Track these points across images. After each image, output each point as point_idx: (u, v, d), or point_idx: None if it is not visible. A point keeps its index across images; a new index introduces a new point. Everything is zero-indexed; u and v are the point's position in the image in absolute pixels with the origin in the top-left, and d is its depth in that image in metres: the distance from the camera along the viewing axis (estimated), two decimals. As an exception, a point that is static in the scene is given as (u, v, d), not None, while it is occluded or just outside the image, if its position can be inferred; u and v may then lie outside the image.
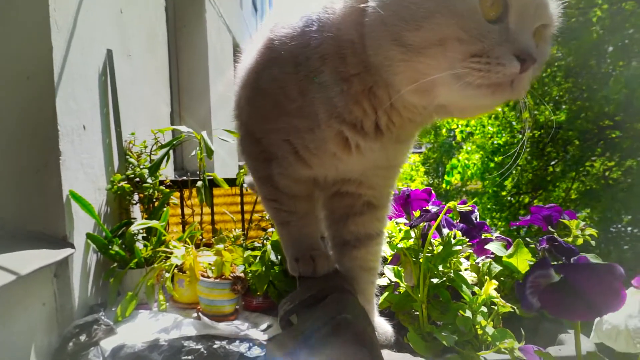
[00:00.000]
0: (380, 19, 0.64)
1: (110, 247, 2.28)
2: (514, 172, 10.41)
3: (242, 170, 2.72)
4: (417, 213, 0.89)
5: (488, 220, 10.62)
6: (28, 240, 1.96)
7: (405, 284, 0.82)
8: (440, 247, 0.81)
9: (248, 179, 1.58)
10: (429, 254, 0.80)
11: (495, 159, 10.91)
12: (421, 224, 0.86)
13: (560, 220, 0.92)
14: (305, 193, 0.89)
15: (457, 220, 0.90)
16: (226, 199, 2.96)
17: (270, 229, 2.53)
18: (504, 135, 10.90)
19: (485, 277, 0.82)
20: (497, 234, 0.96)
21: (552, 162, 10.43)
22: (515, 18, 0.64)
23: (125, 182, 2.53)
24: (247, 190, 2.75)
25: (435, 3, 0.62)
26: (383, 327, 0.85)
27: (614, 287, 0.60)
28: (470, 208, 0.86)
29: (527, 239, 0.87)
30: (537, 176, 10.37)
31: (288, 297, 0.68)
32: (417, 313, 0.77)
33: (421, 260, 0.78)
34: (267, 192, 0.88)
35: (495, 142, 10.92)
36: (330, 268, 0.85)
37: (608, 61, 9.41)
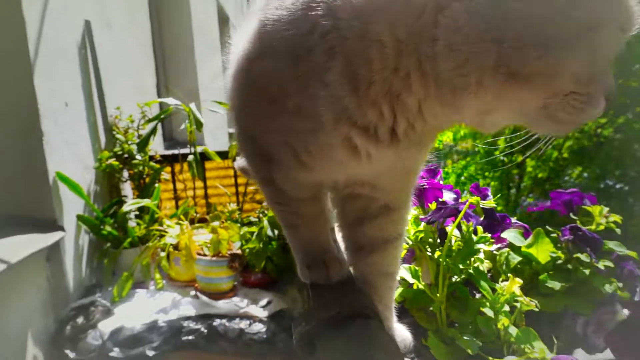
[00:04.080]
0: (493, 34, 0.52)
1: (102, 227, 2.23)
2: (506, 130, 10.36)
3: (234, 143, 2.65)
4: (432, 205, 0.84)
5: (481, 180, 10.67)
6: (17, 226, 1.90)
7: (424, 283, 0.78)
8: (459, 244, 0.76)
9: (240, 162, 1.49)
10: (448, 252, 0.75)
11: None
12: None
13: (582, 206, 0.87)
14: (312, 195, 0.81)
15: (481, 217, 0.84)
16: (219, 172, 2.90)
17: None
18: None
19: (503, 267, 0.78)
20: (514, 220, 0.89)
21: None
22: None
23: (114, 159, 2.46)
24: (239, 164, 2.68)
25: (583, 31, 0.52)
26: (402, 334, 0.79)
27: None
28: (494, 203, 0.80)
29: (547, 226, 0.82)
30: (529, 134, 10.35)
31: (302, 315, 0.62)
32: (433, 310, 0.74)
33: (440, 259, 0.74)
34: (270, 194, 0.78)
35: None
36: (344, 274, 0.79)
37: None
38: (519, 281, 0.68)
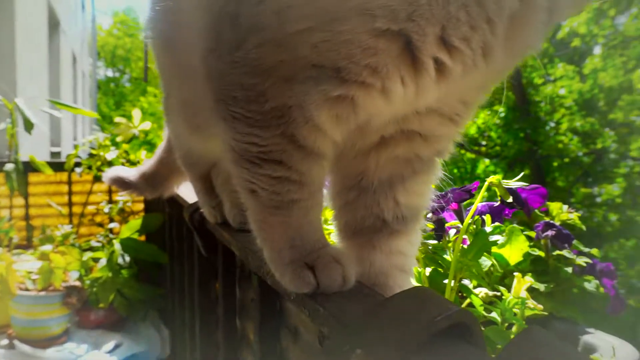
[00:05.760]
0: None
1: None
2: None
3: (72, 153, 2.17)
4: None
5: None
6: None
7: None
8: (461, 238, 0.62)
9: (111, 172, 1.19)
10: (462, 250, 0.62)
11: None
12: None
13: (545, 203, 0.83)
14: (331, 148, 0.55)
15: (500, 201, 0.71)
16: (47, 187, 2.34)
17: (113, 224, 2.06)
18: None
19: (472, 271, 0.68)
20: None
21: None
22: None
23: None
24: (81, 176, 2.20)
25: None
26: None
27: None
28: (520, 183, 0.68)
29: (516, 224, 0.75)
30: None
31: (348, 347, 0.38)
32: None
33: (447, 257, 0.60)
34: (269, 146, 0.51)
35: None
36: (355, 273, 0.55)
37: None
38: (528, 280, 0.58)
